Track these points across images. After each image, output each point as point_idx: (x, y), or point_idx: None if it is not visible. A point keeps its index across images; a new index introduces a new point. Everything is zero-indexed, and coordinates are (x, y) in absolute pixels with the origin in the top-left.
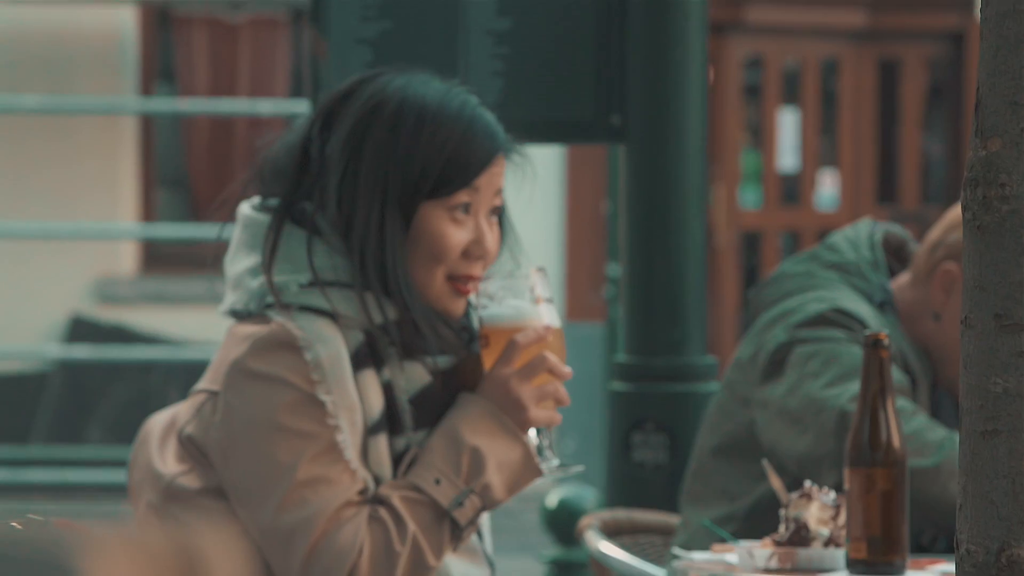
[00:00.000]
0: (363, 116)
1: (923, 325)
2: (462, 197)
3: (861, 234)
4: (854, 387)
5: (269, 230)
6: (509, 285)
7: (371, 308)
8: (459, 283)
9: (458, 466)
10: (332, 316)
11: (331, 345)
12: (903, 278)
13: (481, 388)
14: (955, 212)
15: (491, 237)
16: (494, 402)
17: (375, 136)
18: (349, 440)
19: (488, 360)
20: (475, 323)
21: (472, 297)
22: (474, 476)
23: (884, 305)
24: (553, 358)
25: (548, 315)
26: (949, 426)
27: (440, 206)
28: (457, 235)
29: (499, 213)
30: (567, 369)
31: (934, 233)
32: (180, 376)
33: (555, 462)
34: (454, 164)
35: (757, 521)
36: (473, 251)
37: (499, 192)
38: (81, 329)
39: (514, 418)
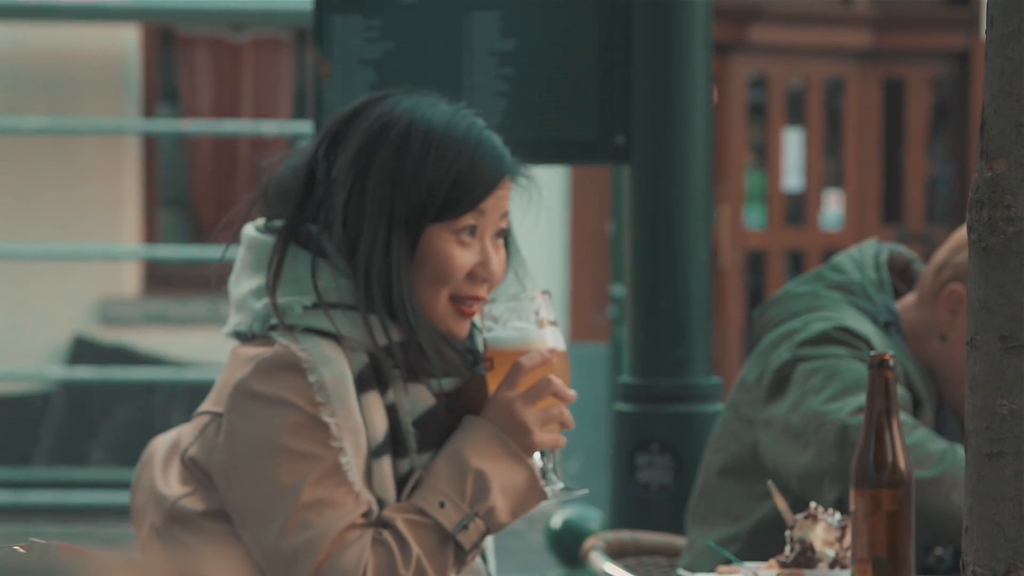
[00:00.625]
0: (370, 138)
1: (929, 346)
2: (468, 220)
3: (866, 254)
4: (856, 400)
5: (274, 251)
6: (514, 307)
7: (375, 330)
8: (462, 304)
9: (462, 489)
10: (336, 338)
11: (335, 367)
12: (909, 299)
13: (486, 411)
14: (961, 233)
15: (497, 260)
16: (499, 425)
17: (382, 158)
18: (353, 462)
19: (493, 383)
20: (480, 345)
21: (477, 319)
22: (478, 499)
23: (889, 325)
24: (558, 381)
25: (553, 338)
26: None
27: (446, 229)
28: (463, 257)
29: (505, 236)
30: (572, 392)
31: (940, 254)
32: (183, 397)
33: (559, 485)
34: (460, 187)
35: (760, 542)
36: (479, 273)
37: (505, 215)
38: (84, 350)
39: (519, 441)
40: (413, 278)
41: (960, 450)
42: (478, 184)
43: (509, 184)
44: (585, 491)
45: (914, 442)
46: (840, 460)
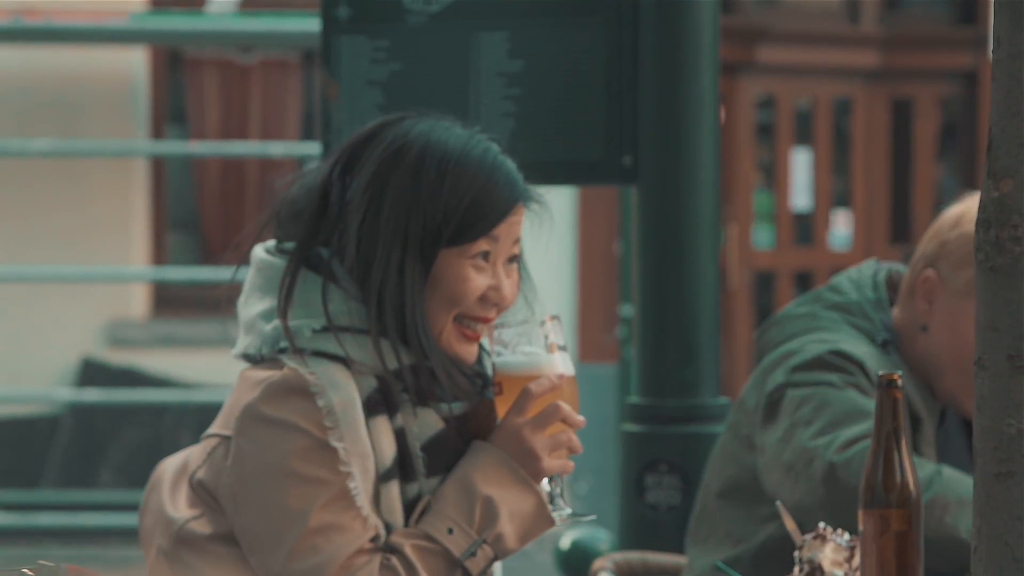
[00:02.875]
0: (385, 160)
1: (916, 344)
2: (482, 245)
3: (865, 275)
4: (846, 433)
5: (284, 274)
6: (524, 332)
7: (386, 354)
8: (467, 328)
9: (471, 515)
10: (345, 362)
11: (344, 391)
12: (896, 306)
13: (494, 437)
14: (937, 224)
15: (509, 285)
16: (507, 451)
17: (397, 181)
18: (361, 487)
19: (501, 408)
20: (489, 370)
21: (486, 343)
22: (487, 526)
23: (887, 344)
24: (567, 407)
25: (562, 363)
26: (956, 462)
27: (460, 254)
28: (477, 281)
29: (516, 260)
30: (580, 418)
31: (918, 248)
32: (192, 419)
33: (567, 511)
34: (475, 212)
35: (763, 564)
36: (491, 297)
37: (517, 241)
38: (92, 372)
39: (527, 468)
40: (425, 301)
41: (946, 471)
42: (493, 210)
43: (522, 210)
44: (592, 517)
45: None
46: (829, 497)
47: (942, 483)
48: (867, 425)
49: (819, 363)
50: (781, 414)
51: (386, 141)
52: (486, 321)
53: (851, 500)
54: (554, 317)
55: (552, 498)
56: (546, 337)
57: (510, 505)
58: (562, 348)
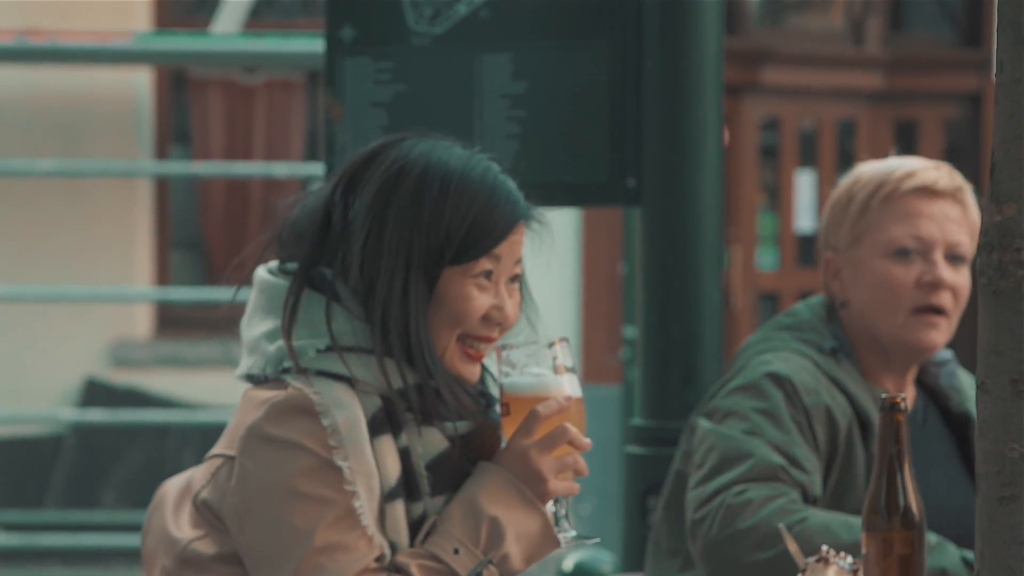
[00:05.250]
0: (387, 181)
1: (855, 327)
2: (485, 265)
3: (818, 298)
4: (726, 477)
5: (288, 294)
6: (532, 353)
7: (390, 373)
8: (469, 347)
9: (477, 536)
10: (349, 381)
11: (348, 411)
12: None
13: (501, 458)
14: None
15: (511, 304)
16: (514, 472)
17: (399, 201)
18: (366, 506)
19: (508, 429)
20: (493, 390)
21: (490, 362)
22: (492, 547)
23: (836, 352)
24: (574, 430)
25: (570, 385)
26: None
27: (463, 273)
28: (480, 300)
29: (518, 281)
30: (587, 441)
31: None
32: (195, 439)
33: (572, 533)
34: (477, 231)
35: None
36: (494, 317)
37: (519, 261)
38: (95, 393)
39: (533, 489)
40: (429, 320)
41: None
42: (495, 228)
43: (523, 229)
44: (597, 540)
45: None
46: (696, 550)
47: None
48: (741, 469)
49: (750, 387)
50: (694, 444)
51: (387, 162)
52: (489, 341)
53: (710, 554)
54: (563, 339)
55: (557, 519)
56: (555, 358)
57: (516, 526)
58: (570, 370)
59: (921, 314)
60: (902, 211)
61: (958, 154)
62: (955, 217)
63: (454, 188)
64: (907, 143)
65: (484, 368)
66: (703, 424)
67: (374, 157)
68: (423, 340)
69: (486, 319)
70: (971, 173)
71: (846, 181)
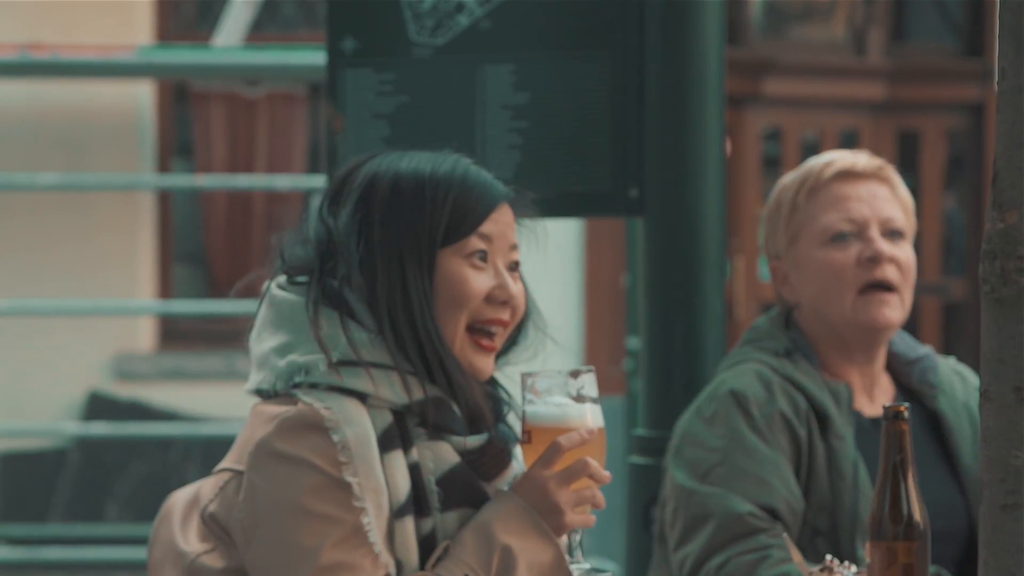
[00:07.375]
0: (363, 192)
1: (813, 328)
2: (476, 243)
3: (776, 308)
4: (697, 542)
5: (307, 306)
6: (557, 383)
7: (403, 386)
8: (482, 337)
9: (488, 563)
10: (360, 397)
11: (359, 426)
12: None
13: (519, 487)
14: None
15: (515, 286)
16: (531, 503)
17: (379, 206)
18: (375, 523)
19: (529, 458)
20: (517, 413)
21: (510, 383)
22: (503, 575)
23: (791, 352)
24: (594, 463)
25: (593, 417)
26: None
27: (457, 254)
28: (478, 279)
29: (518, 268)
30: (607, 474)
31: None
32: (199, 452)
33: (586, 566)
34: (460, 210)
35: None
36: (497, 295)
37: (514, 248)
38: (98, 406)
39: (549, 521)
40: (436, 313)
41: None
42: (476, 206)
43: (509, 212)
44: (609, 573)
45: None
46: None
47: None
48: (708, 530)
49: (704, 415)
50: (666, 491)
51: (359, 177)
52: (500, 324)
53: None
54: (588, 369)
55: (570, 550)
56: (579, 389)
57: (529, 556)
58: (594, 400)
59: (869, 292)
60: (830, 199)
61: (960, 164)
62: (883, 195)
63: (428, 181)
64: (909, 153)
65: (502, 387)
66: (669, 470)
67: (348, 175)
68: (430, 329)
69: (490, 299)
70: (974, 183)
71: (772, 193)
